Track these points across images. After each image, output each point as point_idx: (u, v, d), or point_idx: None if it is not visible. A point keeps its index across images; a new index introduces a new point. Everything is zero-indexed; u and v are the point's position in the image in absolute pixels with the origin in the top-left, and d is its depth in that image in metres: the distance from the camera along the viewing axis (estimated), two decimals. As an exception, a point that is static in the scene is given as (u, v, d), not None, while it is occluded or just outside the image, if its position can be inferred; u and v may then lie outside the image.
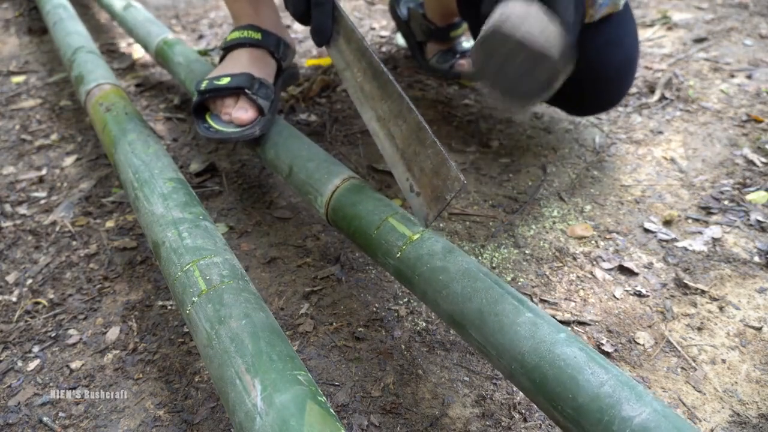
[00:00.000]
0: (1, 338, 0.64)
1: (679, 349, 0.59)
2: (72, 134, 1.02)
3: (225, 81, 0.72)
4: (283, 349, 0.43)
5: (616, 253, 0.70)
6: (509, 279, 0.68)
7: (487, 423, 0.52)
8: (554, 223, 0.76)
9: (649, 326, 0.61)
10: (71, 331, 0.64)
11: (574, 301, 0.64)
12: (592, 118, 0.97)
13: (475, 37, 0.98)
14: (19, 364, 0.61)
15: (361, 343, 0.61)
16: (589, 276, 0.67)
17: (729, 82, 1.04)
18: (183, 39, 1.28)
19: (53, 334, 0.64)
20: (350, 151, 0.92)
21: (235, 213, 0.81)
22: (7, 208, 0.84)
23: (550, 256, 0.71)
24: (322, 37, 0.61)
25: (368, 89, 0.58)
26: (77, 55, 0.94)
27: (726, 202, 0.77)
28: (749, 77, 1.05)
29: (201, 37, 1.41)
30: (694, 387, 0.55)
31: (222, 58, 0.79)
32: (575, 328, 0.61)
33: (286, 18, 1.46)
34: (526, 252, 0.71)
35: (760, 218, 0.73)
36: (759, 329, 0.60)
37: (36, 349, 0.62)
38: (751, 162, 0.84)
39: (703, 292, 0.65)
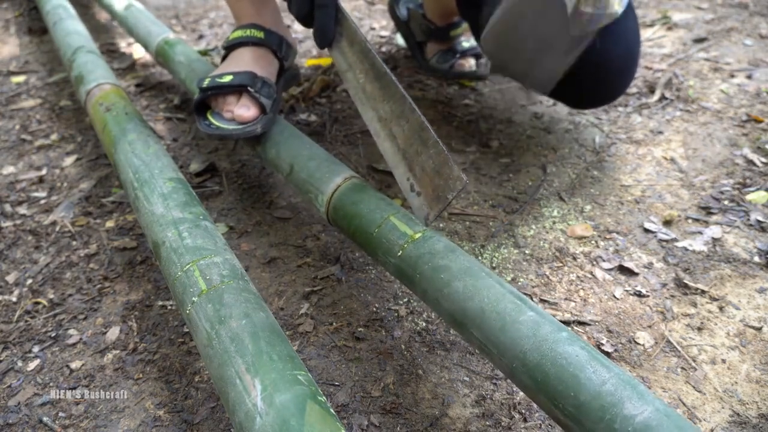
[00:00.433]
0: (1, 338, 0.64)
1: (679, 349, 0.59)
2: (72, 134, 1.02)
3: (228, 79, 0.72)
4: (283, 349, 0.43)
5: (616, 253, 0.70)
6: (509, 279, 0.68)
7: (487, 423, 0.52)
8: (554, 223, 0.76)
9: (649, 326, 0.61)
10: (71, 331, 0.64)
11: (574, 301, 0.64)
12: (592, 118, 0.97)
13: (475, 36, 0.98)
14: (19, 364, 0.61)
15: (361, 343, 0.61)
16: (589, 276, 0.67)
17: (729, 82, 1.04)
18: (183, 39, 1.28)
19: (53, 334, 0.64)
20: (350, 151, 0.92)
21: (235, 213, 0.81)
22: (7, 208, 0.84)
23: (550, 256, 0.71)
24: (324, 39, 0.61)
25: (370, 90, 0.58)
26: (77, 55, 0.94)
27: (726, 202, 0.77)
28: (749, 77, 1.05)
29: (201, 37, 1.41)
30: (694, 387, 0.55)
31: (224, 57, 0.79)
32: (575, 328, 0.61)
33: (287, 18, 1.46)
34: (526, 252, 0.71)
35: (760, 218, 0.73)
36: (759, 329, 0.60)
37: (36, 349, 0.62)
38: (751, 162, 0.84)
39: (703, 292, 0.65)
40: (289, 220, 0.79)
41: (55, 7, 1.22)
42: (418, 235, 0.52)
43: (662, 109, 0.98)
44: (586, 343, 0.40)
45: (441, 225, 0.76)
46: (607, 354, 0.58)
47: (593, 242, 0.72)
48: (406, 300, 0.66)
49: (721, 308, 0.63)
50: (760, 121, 0.92)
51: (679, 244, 0.71)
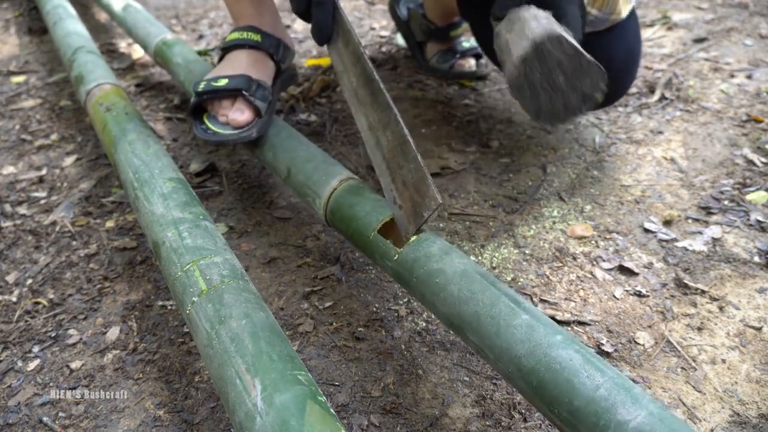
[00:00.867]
0: (1, 338, 0.64)
1: (679, 349, 0.59)
2: (72, 134, 1.02)
3: (223, 83, 0.72)
4: (283, 349, 0.43)
5: (616, 253, 0.70)
6: (509, 279, 0.68)
7: (487, 423, 0.52)
8: (554, 223, 0.76)
9: (649, 326, 0.61)
10: (71, 331, 0.64)
11: (574, 301, 0.64)
12: (592, 118, 0.97)
13: (476, 36, 0.98)
14: (19, 364, 0.61)
15: (361, 343, 0.61)
16: (589, 276, 0.67)
17: (729, 82, 1.04)
18: (183, 39, 1.29)
19: (53, 334, 0.64)
20: (350, 151, 0.92)
21: (235, 213, 0.81)
22: (7, 208, 0.84)
23: (550, 256, 0.71)
24: (321, 36, 0.61)
25: (362, 95, 0.58)
26: (77, 55, 0.94)
27: (726, 202, 0.77)
28: (749, 77, 1.05)
29: (201, 37, 1.41)
30: (694, 387, 0.55)
31: (221, 59, 0.79)
32: (575, 328, 0.61)
33: (287, 18, 1.46)
34: (526, 252, 0.71)
35: (760, 218, 0.73)
36: (759, 329, 0.60)
37: (36, 349, 0.62)
38: (751, 162, 0.84)
39: (703, 292, 0.65)
40: (289, 220, 0.79)
41: (55, 7, 1.22)
42: (413, 239, 0.52)
43: (662, 109, 0.98)
44: (581, 346, 0.40)
45: (441, 225, 0.76)
46: (607, 354, 0.58)
47: (593, 242, 0.72)
48: (406, 300, 0.66)
49: (721, 308, 0.63)
50: (760, 121, 0.92)
51: (679, 244, 0.71)
